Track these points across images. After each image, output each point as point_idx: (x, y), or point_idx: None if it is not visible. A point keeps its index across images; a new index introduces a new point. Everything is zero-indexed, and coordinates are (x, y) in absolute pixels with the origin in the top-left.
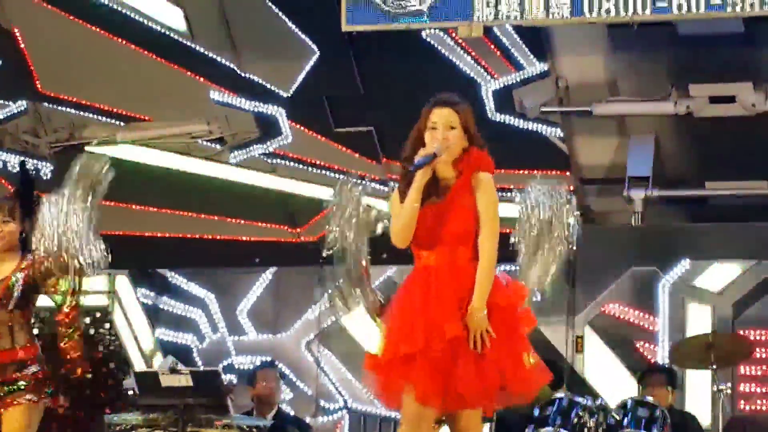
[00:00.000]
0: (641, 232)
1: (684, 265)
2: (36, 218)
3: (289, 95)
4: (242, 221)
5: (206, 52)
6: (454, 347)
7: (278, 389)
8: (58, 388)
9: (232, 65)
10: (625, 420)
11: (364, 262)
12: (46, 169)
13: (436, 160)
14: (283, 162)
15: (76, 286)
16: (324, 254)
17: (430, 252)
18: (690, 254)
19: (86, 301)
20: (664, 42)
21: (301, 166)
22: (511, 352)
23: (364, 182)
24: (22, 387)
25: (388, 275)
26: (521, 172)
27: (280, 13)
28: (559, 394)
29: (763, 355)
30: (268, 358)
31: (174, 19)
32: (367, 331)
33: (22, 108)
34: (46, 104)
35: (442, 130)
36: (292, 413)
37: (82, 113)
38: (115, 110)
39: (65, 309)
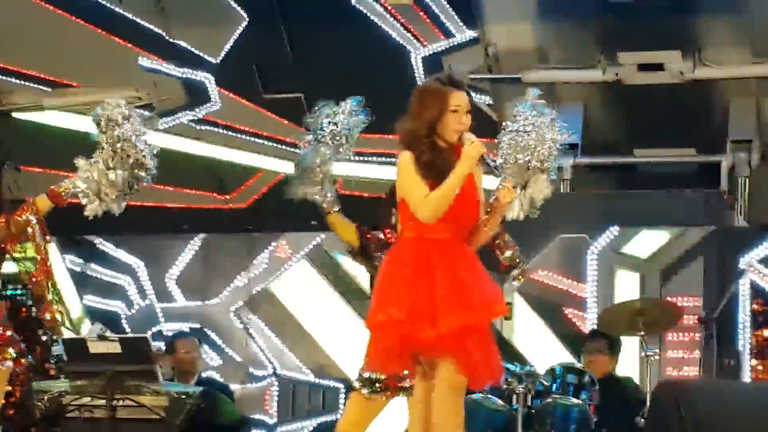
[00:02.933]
0: (570, 200)
1: (612, 232)
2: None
3: (218, 61)
4: (171, 188)
5: (134, 18)
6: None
7: (199, 357)
8: (21, 351)
9: (160, 31)
10: (554, 386)
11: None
12: None
13: None
14: (212, 128)
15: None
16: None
17: (443, 228)
18: (618, 221)
19: (13, 267)
20: (593, 9)
21: (230, 132)
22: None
23: None
24: None
25: (318, 242)
26: None
27: None
28: None
29: (691, 322)
30: (197, 325)
31: None
32: (296, 298)
33: None
34: None
35: (465, 117)
36: (220, 379)
37: (8, 78)
38: (42, 76)
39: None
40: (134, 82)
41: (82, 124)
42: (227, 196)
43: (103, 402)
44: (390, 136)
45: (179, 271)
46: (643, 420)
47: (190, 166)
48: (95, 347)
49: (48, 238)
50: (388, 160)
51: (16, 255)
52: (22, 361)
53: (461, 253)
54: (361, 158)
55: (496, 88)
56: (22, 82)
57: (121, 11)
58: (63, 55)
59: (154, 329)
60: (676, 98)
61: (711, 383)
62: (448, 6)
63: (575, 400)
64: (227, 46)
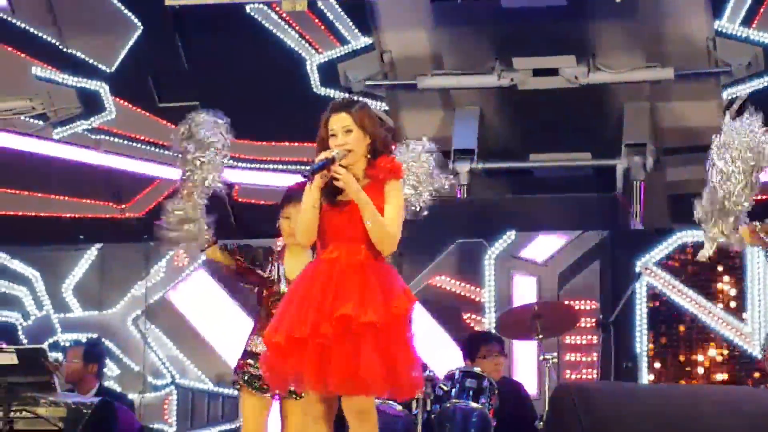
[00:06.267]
0: (467, 205)
1: (509, 236)
2: None
3: (113, 71)
4: (66, 198)
5: (28, 28)
6: (354, 335)
7: (84, 365)
8: None
9: (54, 41)
10: (453, 391)
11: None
12: None
13: (335, 164)
14: (107, 138)
15: None
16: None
17: (335, 247)
18: (515, 226)
19: None
20: (488, 15)
21: (125, 141)
22: (407, 355)
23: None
24: None
25: None
26: None
27: None
28: None
29: (588, 325)
30: (95, 335)
31: None
32: (194, 307)
33: None
34: None
35: (341, 136)
36: (119, 389)
37: None
38: None
39: None
40: (28, 92)
41: None
42: (123, 206)
43: (0, 414)
44: (287, 143)
45: (76, 281)
46: (542, 423)
47: (86, 175)
48: None
49: None
50: (285, 167)
51: None
52: None
53: (343, 271)
54: (257, 166)
55: (392, 95)
56: None
57: (14, 21)
58: None
59: (51, 340)
60: (570, 103)
61: (609, 386)
62: (343, 13)
63: (475, 405)
64: (122, 55)
